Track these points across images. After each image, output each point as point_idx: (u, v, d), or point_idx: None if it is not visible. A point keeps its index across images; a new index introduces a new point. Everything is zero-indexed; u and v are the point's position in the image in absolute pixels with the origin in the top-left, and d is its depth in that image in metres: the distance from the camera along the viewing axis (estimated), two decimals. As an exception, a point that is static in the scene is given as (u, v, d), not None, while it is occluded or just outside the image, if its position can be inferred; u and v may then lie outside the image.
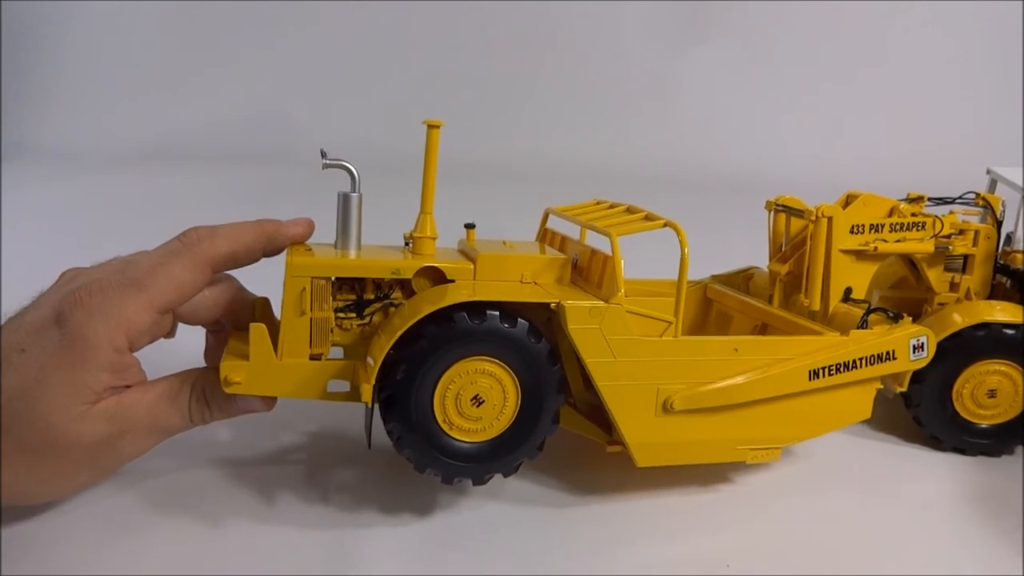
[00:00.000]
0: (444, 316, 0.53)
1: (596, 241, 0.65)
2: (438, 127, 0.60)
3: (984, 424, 0.74)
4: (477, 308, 0.54)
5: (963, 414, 0.74)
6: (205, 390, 0.58)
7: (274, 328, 0.57)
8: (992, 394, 0.74)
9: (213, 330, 0.65)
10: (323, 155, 0.59)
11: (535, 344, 0.55)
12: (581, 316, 0.55)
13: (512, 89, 2.34)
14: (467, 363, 0.55)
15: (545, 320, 0.59)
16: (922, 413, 0.74)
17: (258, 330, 0.55)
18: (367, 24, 2.37)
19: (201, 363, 0.64)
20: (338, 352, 0.60)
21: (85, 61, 2.25)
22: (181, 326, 0.62)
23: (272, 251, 0.61)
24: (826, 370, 0.61)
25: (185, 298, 0.57)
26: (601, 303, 0.56)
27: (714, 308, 0.81)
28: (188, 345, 0.64)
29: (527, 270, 0.61)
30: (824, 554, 0.58)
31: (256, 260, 0.61)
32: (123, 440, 0.55)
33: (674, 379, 0.58)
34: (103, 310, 0.52)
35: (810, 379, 0.61)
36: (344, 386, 0.58)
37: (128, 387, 0.55)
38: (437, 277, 0.60)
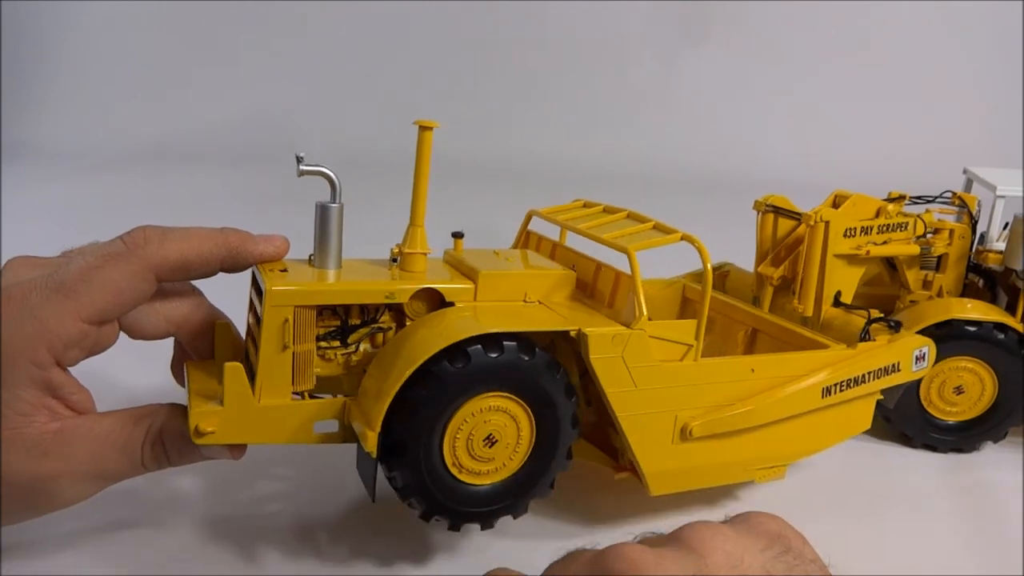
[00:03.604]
0: (458, 350, 0.47)
1: (585, 245, 0.60)
2: (431, 129, 0.53)
3: (951, 420, 0.75)
4: (493, 339, 0.48)
5: (931, 411, 0.75)
6: (163, 434, 0.49)
7: (236, 355, 0.50)
8: (959, 390, 0.75)
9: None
10: (299, 160, 0.51)
11: (553, 377, 0.50)
12: (603, 344, 0.51)
13: (499, 89, 2.28)
14: (480, 400, 0.49)
15: (547, 343, 0.54)
16: (891, 409, 0.74)
17: (234, 371, 0.47)
18: (363, 24, 2.29)
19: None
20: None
21: (85, 61, 2.16)
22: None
23: (232, 267, 0.52)
24: (838, 387, 0.59)
25: (123, 307, 0.48)
26: (623, 329, 0.51)
27: (691, 309, 0.78)
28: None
29: (531, 288, 0.55)
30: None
31: (212, 274, 0.52)
32: (55, 484, 0.46)
33: (692, 404, 0.55)
34: (20, 319, 0.44)
35: (823, 396, 0.59)
36: (332, 426, 0.51)
37: (77, 413, 0.46)
38: (435, 300, 0.53)
